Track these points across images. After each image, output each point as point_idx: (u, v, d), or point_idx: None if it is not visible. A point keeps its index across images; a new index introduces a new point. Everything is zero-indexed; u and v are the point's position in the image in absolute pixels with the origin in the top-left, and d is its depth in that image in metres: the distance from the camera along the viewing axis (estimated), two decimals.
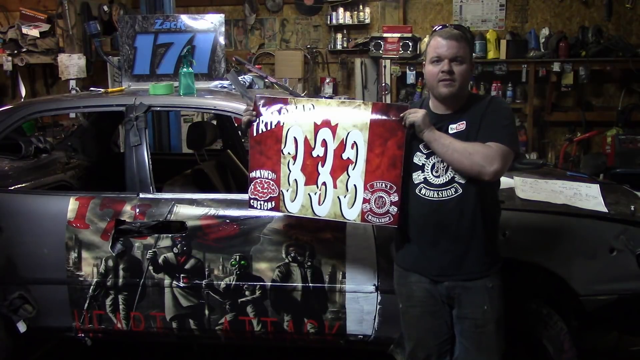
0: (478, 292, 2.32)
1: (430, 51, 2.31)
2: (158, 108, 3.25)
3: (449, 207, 2.28)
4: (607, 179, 5.44)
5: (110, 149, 4.38)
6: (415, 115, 2.25)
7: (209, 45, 3.65)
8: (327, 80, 7.62)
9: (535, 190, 2.96)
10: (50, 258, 2.96)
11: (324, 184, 2.45)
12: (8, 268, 3.00)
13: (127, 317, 2.97)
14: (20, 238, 2.99)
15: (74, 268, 2.94)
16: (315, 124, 2.44)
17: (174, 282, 2.90)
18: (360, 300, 2.81)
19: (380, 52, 6.79)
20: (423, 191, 2.31)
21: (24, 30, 6.24)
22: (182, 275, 2.89)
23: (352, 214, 2.43)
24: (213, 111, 3.37)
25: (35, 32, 6.23)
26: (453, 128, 2.30)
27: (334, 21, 7.54)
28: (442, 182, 2.28)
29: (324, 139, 2.43)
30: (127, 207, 2.93)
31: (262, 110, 2.53)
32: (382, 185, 2.35)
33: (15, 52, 6.34)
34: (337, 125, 2.40)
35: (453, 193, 2.27)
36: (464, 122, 2.29)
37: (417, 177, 2.32)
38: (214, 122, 4.60)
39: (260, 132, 2.54)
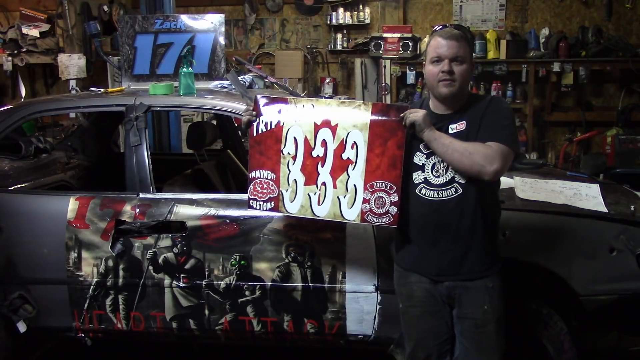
0: (478, 292, 2.32)
1: (431, 51, 2.31)
2: (158, 108, 3.25)
3: (449, 207, 2.28)
4: (607, 179, 5.42)
5: (110, 149, 4.38)
6: (416, 114, 2.25)
7: (209, 45, 3.65)
8: (327, 80, 7.61)
9: (535, 190, 2.96)
10: (50, 258, 2.96)
11: (324, 184, 2.45)
12: (8, 268, 3.00)
13: (127, 317, 2.97)
14: (20, 238, 2.98)
15: (74, 268, 2.94)
16: (315, 124, 2.44)
17: (174, 282, 2.90)
18: (360, 300, 2.80)
19: (380, 52, 6.77)
20: (423, 191, 2.31)
21: (24, 30, 6.24)
22: (182, 275, 2.89)
23: (351, 214, 2.42)
24: (213, 111, 3.37)
25: (35, 32, 6.23)
26: (453, 128, 2.30)
27: (334, 21, 7.52)
28: (442, 182, 2.28)
29: (323, 139, 2.42)
30: (127, 207, 2.93)
31: (262, 110, 2.53)
32: (382, 185, 2.35)
33: (15, 52, 6.34)
34: (337, 125, 2.40)
35: (453, 193, 2.27)
36: (464, 122, 2.29)
37: (417, 177, 2.32)
38: (214, 122, 4.60)
39: (260, 132, 2.53)
